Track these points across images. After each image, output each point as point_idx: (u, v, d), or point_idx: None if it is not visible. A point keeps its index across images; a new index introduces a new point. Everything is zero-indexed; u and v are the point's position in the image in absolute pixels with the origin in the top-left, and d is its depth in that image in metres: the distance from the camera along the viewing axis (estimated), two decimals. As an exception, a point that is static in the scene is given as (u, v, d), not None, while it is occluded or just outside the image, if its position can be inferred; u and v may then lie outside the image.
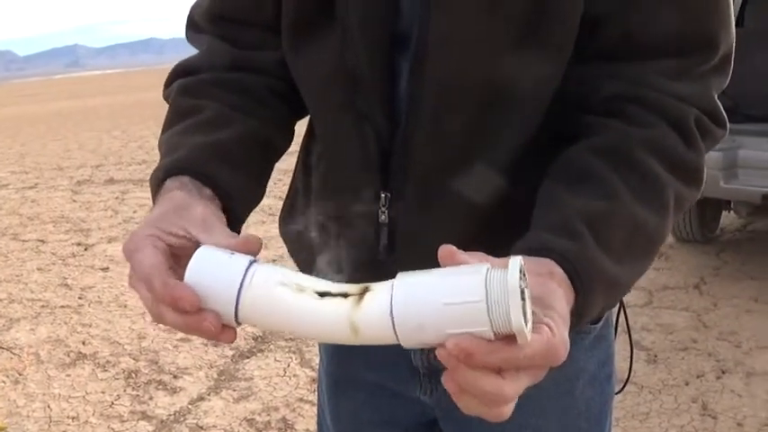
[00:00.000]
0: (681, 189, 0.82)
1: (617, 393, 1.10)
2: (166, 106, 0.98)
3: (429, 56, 0.83)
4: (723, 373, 3.32)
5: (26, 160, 11.84)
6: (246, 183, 0.89)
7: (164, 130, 0.93)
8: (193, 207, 0.76)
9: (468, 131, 0.85)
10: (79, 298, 4.84)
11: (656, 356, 3.50)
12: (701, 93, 0.84)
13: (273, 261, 5.17)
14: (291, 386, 3.39)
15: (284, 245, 1.11)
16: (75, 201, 8.18)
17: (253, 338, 3.91)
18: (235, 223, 0.86)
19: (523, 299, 0.60)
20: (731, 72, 0.87)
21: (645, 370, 3.36)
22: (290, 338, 3.88)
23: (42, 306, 4.73)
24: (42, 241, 6.46)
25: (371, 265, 0.93)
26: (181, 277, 0.68)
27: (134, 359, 3.79)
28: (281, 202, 1.12)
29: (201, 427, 3.09)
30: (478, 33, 0.81)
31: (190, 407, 3.25)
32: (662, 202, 0.80)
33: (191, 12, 1.03)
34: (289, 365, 3.59)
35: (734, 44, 0.86)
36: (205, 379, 3.52)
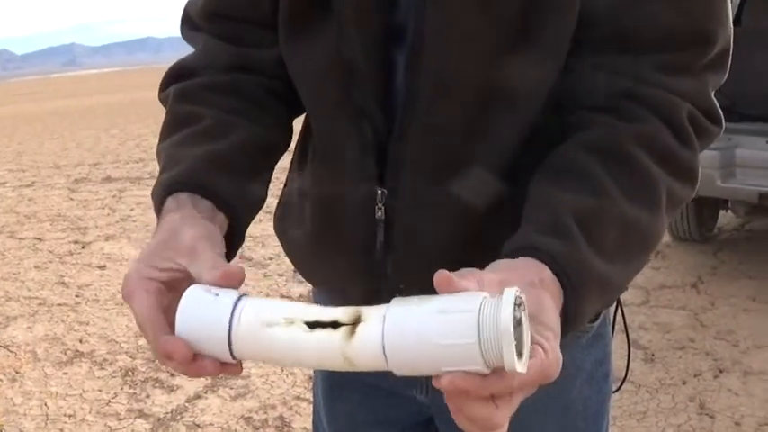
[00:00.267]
0: (674, 186, 0.81)
1: (614, 392, 1.09)
2: (163, 106, 0.98)
3: (425, 50, 0.82)
4: (720, 372, 3.32)
5: (23, 158, 11.82)
6: (247, 189, 0.89)
7: (162, 139, 0.93)
8: (183, 233, 0.76)
9: (463, 128, 0.85)
10: (76, 296, 4.83)
11: (653, 355, 3.50)
12: (696, 88, 0.83)
13: (270, 259, 5.17)
14: (288, 384, 3.39)
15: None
16: (72, 199, 8.17)
17: (250, 337, 3.90)
18: (239, 230, 0.87)
19: (519, 331, 0.60)
20: (728, 69, 0.87)
21: (642, 369, 3.36)
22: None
23: (39, 304, 4.72)
24: (39, 239, 6.45)
25: (368, 262, 0.93)
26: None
27: (131, 357, 3.79)
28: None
29: (198, 426, 3.08)
30: (474, 29, 0.81)
31: (187, 405, 3.25)
32: (654, 198, 0.80)
33: (186, 8, 1.02)
34: (286, 364, 3.58)
35: (731, 41, 0.85)
36: (202, 377, 3.50)
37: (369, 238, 0.92)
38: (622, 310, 1.09)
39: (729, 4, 0.85)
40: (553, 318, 0.67)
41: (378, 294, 0.93)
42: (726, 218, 5.47)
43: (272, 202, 0.99)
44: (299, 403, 3.20)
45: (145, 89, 28.08)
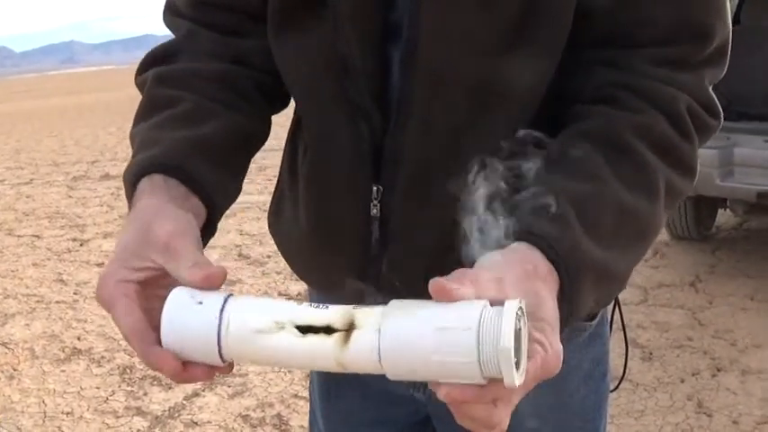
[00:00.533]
0: (672, 177, 0.81)
1: (612, 391, 1.09)
2: (140, 91, 0.95)
3: (420, 47, 0.82)
4: (718, 370, 3.33)
5: (21, 156, 11.81)
6: (226, 179, 0.88)
7: (136, 122, 0.91)
8: (157, 228, 0.73)
9: (459, 125, 0.84)
10: (74, 293, 4.83)
11: (651, 354, 3.50)
12: (694, 82, 0.83)
13: (269, 257, 5.17)
14: (286, 382, 3.38)
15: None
16: (70, 196, 8.17)
17: (248, 335, 3.90)
18: (213, 220, 0.86)
19: (518, 339, 0.59)
20: (727, 64, 0.86)
21: (640, 368, 3.36)
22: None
23: (37, 301, 4.72)
24: (38, 237, 6.44)
25: (363, 259, 0.93)
26: (161, 306, 0.68)
27: (129, 355, 3.78)
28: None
29: (196, 423, 3.08)
30: (470, 26, 0.80)
31: (184, 402, 3.25)
32: (652, 187, 0.79)
33: None
34: (284, 362, 3.58)
35: (730, 36, 0.85)
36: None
37: (364, 235, 0.91)
38: (620, 309, 1.09)
39: (728, 0, 0.84)
40: (551, 310, 0.67)
41: (373, 291, 0.93)
42: (724, 216, 5.47)
43: (267, 199, 0.98)
44: (296, 401, 3.20)
45: (143, 87, 27.99)
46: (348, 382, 1.09)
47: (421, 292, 0.63)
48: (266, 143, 1.00)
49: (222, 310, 0.66)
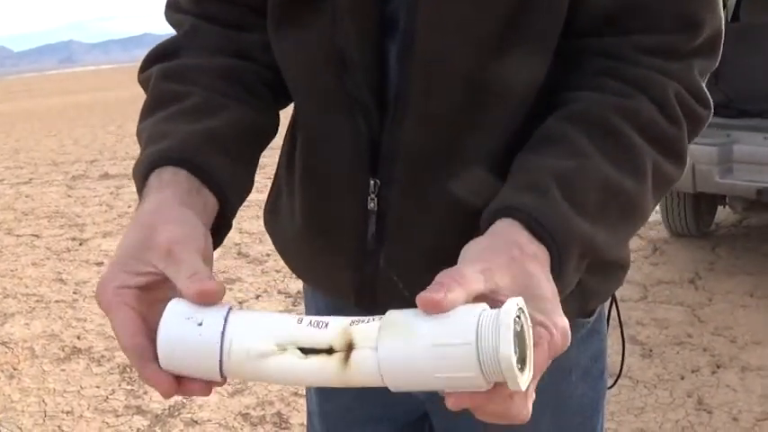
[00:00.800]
0: (660, 161, 0.80)
1: (609, 388, 1.09)
2: (143, 89, 0.94)
3: (417, 39, 0.82)
4: (718, 367, 3.33)
5: (20, 156, 11.80)
6: (238, 172, 0.86)
7: (142, 118, 0.89)
8: (159, 231, 0.71)
9: (456, 119, 0.84)
10: (74, 293, 4.83)
11: (651, 351, 3.50)
12: (683, 71, 0.82)
13: (268, 255, 5.17)
14: (286, 381, 3.38)
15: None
16: (69, 196, 8.17)
17: (248, 333, 3.90)
18: (227, 216, 0.84)
19: (521, 337, 0.59)
20: (719, 57, 0.86)
21: (640, 364, 3.36)
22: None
23: (37, 301, 4.72)
24: (37, 236, 6.44)
25: (360, 254, 0.93)
26: (160, 314, 0.67)
27: (129, 354, 3.78)
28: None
29: (196, 422, 3.08)
30: (466, 18, 0.80)
31: (184, 401, 3.25)
32: (638, 167, 0.78)
33: None
34: (284, 360, 3.59)
35: (722, 29, 0.84)
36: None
37: (361, 229, 0.91)
38: (617, 306, 1.09)
39: None
40: (548, 287, 0.66)
41: (370, 286, 0.93)
42: (723, 213, 5.47)
43: (261, 198, 0.97)
44: (296, 400, 3.20)
45: (142, 86, 28.02)
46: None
47: (418, 286, 0.62)
48: (267, 141, 0.99)
49: (223, 333, 0.64)
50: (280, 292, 4.56)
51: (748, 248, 4.97)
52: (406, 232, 0.90)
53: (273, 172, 1.07)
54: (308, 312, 1.15)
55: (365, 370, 0.62)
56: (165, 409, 3.19)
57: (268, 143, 0.95)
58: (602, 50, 0.82)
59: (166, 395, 0.67)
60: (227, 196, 0.82)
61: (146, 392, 3.35)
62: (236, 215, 0.87)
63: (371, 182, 0.89)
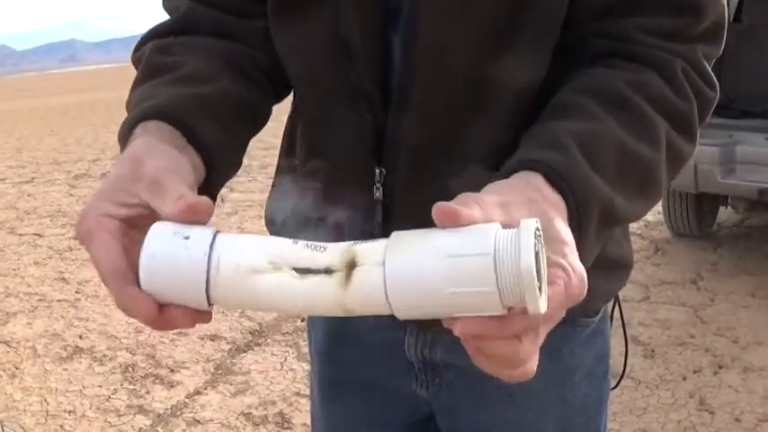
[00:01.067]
0: (672, 134, 0.79)
1: (613, 389, 1.09)
2: (135, 68, 0.91)
3: (420, 29, 0.82)
4: (720, 368, 3.32)
5: (23, 155, 11.81)
6: (227, 142, 0.82)
7: (133, 89, 0.86)
8: (145, 163, 0.68)
9: (458, 109, 0.84)
10: (76, 292, 4.83)
11: (653, 351, 3.50)
12: (688, 51, 0.82)
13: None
14: (288, 380, 3.39)
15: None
16: (72, 195, 8.17)
17: (249, 332, 3.91)
18: (212, 184, 0.80)
19: (539, 268, 0.53)
20: (722, 45, 0.86)
21: (642, 365, 3.36)
22: (287, 333, 3.88)
23: (39, 300, 4.72)
24: (39, 235, 6.44)
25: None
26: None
27: (131, 353, 3.78)
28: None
29: (198, 421, 3.08)
30: (469, 8, 0.80)
31: (187, 401, 3.25)
32: (652, 135, 0.77)
33: None
34: (286, 359, 3.59)
35: (725, 16, 0.85)
36: (202, 373, 3.51)
37: (367, 218, 0.91)
38: (620, 307, 1.09)
39: None
40: (566, 230, 0.62)
41: None
42: (725, 214, 5.47)
43: (263, 198, 0.96)
44: (298, 399, 3.20)
45: (144, 85, 28.03)
46: (349, 382, 1.09)
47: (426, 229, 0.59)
48: (269, 141, 0.99)
49: (211, 247, 0.59)
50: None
51: (750, 249, 4.97)
52: (412, 220, 0.89)
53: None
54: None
55: (368, 288, 0.57)
56: (167, 409, 3.19)
57: (258, 127, 0.93)
58: (605, 33, 0.82)
59: (147, 319, 0.62)
60: (214, 160, 0.79)
61: (148, 392, 3.35)
62: (239, 215, 0.85)
63: (377, 171, 0.88)
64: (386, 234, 0.89)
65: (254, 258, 0.59)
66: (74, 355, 3.83)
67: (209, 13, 0.93)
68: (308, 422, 2.93)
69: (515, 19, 0.80)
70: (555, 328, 0.62)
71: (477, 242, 0.54)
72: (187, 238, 0.59)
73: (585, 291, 0.60)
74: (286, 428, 3.00)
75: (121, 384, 3.45)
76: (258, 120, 0.92)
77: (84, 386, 3.47)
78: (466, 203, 0.59)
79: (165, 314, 0.62)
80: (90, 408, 3.26)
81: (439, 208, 0.57)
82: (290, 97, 1.01)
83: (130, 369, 3.60)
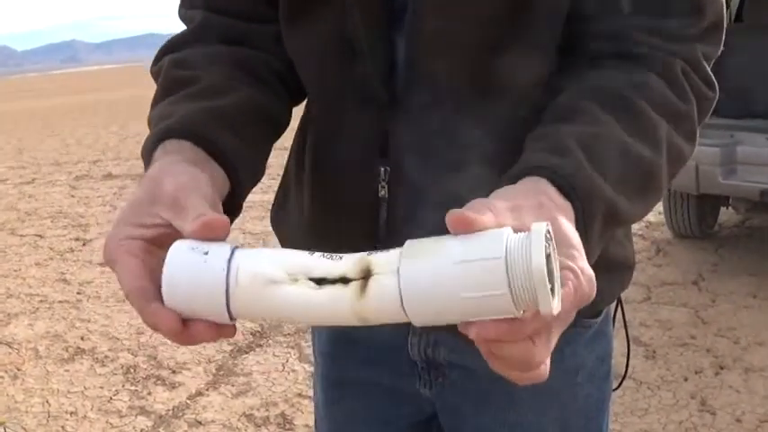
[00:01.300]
0: (673, 134, 0.80)
1: (615, 390, 1.09)
2: (155, 80, 0.93)
3: (423, 29, 0.83)
4: (722, 368, 3.33)
5: (24, 155, 11.82)
6: (249, 152, 0.84)
7: (153, 105, 0.88)
8: (164, 182, 0.69)
9: (462, 106, 0.85)
10: (77, 293, 4.84)
11: (654, 352, 3.50)
12: (688, 52, 0.82)
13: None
14: (290, 381, 3.39)
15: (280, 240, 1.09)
16: (73, 196, 8.18)
17: (251, 334, 3.91)
18: (237, 197, 0.81)
19: (550, 270, 0.54)
20: (722, 45, 0.86)
21: (643, 366, 3.36)
22: (289, 333, 3.88)
23: (41, 301, 4.73)
24: (40, 236, 6.45)
25: (370, 243, 0.92)
26: None
27: (133, 354, 3.79)
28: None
29: (200, 423, 3.09)
30: (472, 5, 0.81)
31: (188, 402, 3.25)
32: (653, 137, 0.77)
33: None
34: (287, 360, 3.60)
35: (723, 17, 0.85)
36: (204, 374, 3.52)
37: (372, 217, 0.91)
38: (622, 308, 1.09)
39: None
40: (574, 234, 0.63)
41: None
42: (726, 214, 5.47)
43: (270, 198, 0.97)
44: (300, 400, 3.20)
45: (145, 86, 28.10)
46: (353, 381, 1.09)
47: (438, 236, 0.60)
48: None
49: (230, 260, 0.61)
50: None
51: (751, 249, 4.97)
52: (416, 219, 0.90)
53: (278, 172, 1.07)
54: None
55: (384, 296, 0.58)
56: (168, 410, 3.19)
57: (279, 132, 0.94)
58: (605, 34, 0.83)
59: (171, 333, 0.63)
60: (237, 172, 0.80)
61: (149, 393, 3.35)
62: (240, 216, 0.85)
63: (382, 169, 0.89)
64: (391, 233, 0.91)
65: (272, 270, 0.61)
66: (75, 356, 3.83)
67: (222, 21, 0.94)
68: (310, 423, 2.93)
69: (517, 18, 0.81)
70: None
71: (489, 247, 0.55)
72: (206, 253, 0.61)
73: (594, 292, 0.61)
74: (288, 430, 3.00)
75: (123, 385, 3.46)
76: (277, 125, 0.93)
77: (85, 387, 3.47)
78: (478, 210, 0.59)
79: (190, 329, 0.63)
80: (92, 409, 3.26)
81: (452, 215, 0.58)
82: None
83: (132, 370, 3.60)
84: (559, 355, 0.97)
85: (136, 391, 3.40)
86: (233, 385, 3.38)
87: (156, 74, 0.93)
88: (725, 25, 0.86)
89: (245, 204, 0.86)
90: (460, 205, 0.60)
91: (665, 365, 3.37)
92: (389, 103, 0.88)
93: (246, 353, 3.71)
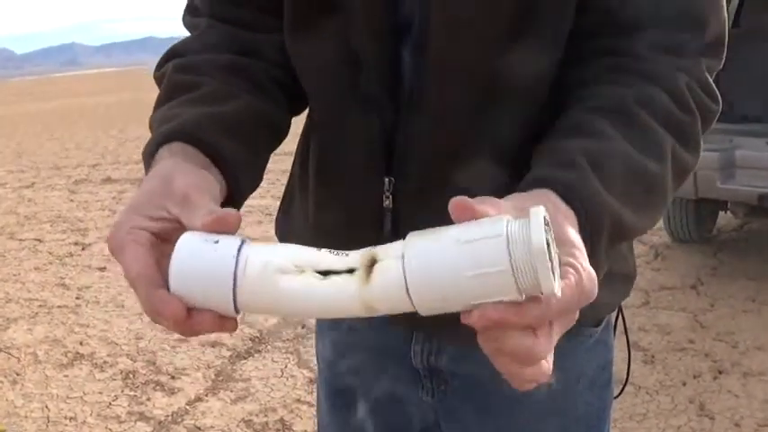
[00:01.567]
0: (677, 148, 0.80)
1: (616, 397, 1.10)
2: (158, 86, 0.94)
3: (430, 41, 0.83)
4: (720, 373, 3.33)
5: (23, 159, 11.82)
6: (248, 157, 0.84)
7: (155, 108, 0.89)
8: (175, 180, 0.70)
9: (468, 117, 0.86)
10: (77, 298, 4.84)
11: (653, 357, 3.51)
12: (692, 66, 0.83)
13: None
14: (289, 387, 3.39)
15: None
16: (72, 200, 8.18)
17: (250, 339, 3.91)
18: (236, 201, 0.82)
19: (549, 253, 0.55)
20: (723, 59, 0.87)
21: (642, 371, 3.36)
22: (288, 339, 3.88)
23: (40, 306, 4.73)
24: (39, 241, 6.45)
25: None
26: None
27: (132, 360, 3.79)
28: (279, 203, 1.11)
29: (199, 428, 3.09)
30: (477, 18, 0.82)
31: (187, 407, 3.25)
32: (658, 149, 0.78)
33: None
34: (286, 366, 3.60)
35: (726, 31, 0.86)
36: (203, 380, 3.52)
37: (376, 228, 0.92)
38: (623, 315, 1.09)
39: None
40: (577, 237, 0.64)
41: None
42: (725, 219, 5.48)
43: (273, 204, 0.98)
44: (299, 406, 3.20)
45: (145, 90, 28.09)
46: (354, 390, 1.10)
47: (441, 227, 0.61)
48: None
49: (239, 251, 0.61)
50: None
51: (750, 254, 4.98)
52: (421, 229, 0.90)
53: (276, 177, 1.07)
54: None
55: (388, 280, 0.59)
56: (168, 416, 3.19)
57: (279, 139, 0.95)
58: (611, 49, 0.84)
59: (175, 321, 0.63)
60: (237, 177, 0.81)
61: (149, 399, 3.35)
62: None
63: (386, 180, 0.90)
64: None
65: (280, 261, 0.61)
66: (74, 361, 3.83)
67: (226, 30, 0.95)
68: (309, 429, 2.94)
69: (522, 35, 0.82)
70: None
71: (490, 228, 0.57)
72: (216, 242, 0.62)
73: (596, 291, 0.61)
74: (287, 435, 3.01)
75: (122, 391, 3.46)
76: (278, 132, 0.94)
77: (84, 393, 3.47)
78: (482, 202, 0.61)
79: (193, 318, 0.63)
80: (91, 414, 3.26)
81: (455, 201, 0.59)
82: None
83: (131, 375, 3.60)
84: (559, 363, 0.98)
85: (135, 396, 3.40)
86: (232, 391, 3.38)
87: (159, 79, 0.94)
88: (727, 39, 0.87)
89: (244, 209, 0.87)
90: None
91: (664, 370, 3.38)
92: (394, 113, 0.88)
93: (245, 358, 3.71)
